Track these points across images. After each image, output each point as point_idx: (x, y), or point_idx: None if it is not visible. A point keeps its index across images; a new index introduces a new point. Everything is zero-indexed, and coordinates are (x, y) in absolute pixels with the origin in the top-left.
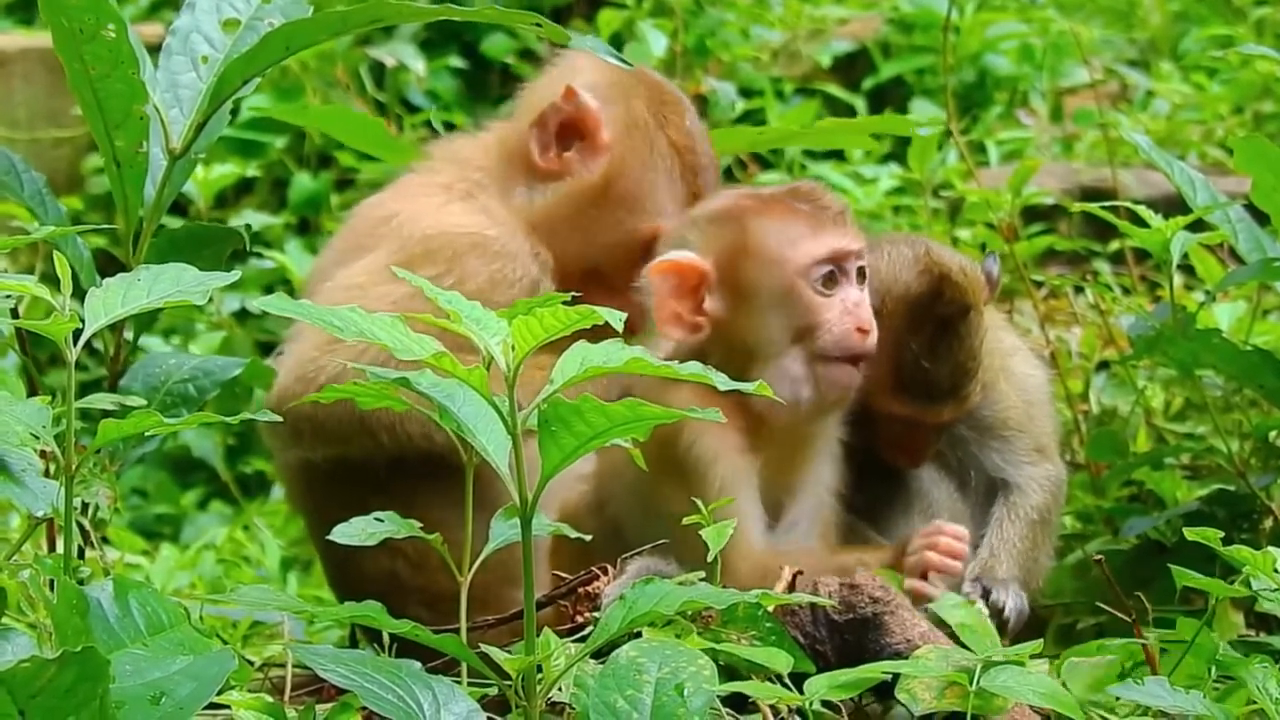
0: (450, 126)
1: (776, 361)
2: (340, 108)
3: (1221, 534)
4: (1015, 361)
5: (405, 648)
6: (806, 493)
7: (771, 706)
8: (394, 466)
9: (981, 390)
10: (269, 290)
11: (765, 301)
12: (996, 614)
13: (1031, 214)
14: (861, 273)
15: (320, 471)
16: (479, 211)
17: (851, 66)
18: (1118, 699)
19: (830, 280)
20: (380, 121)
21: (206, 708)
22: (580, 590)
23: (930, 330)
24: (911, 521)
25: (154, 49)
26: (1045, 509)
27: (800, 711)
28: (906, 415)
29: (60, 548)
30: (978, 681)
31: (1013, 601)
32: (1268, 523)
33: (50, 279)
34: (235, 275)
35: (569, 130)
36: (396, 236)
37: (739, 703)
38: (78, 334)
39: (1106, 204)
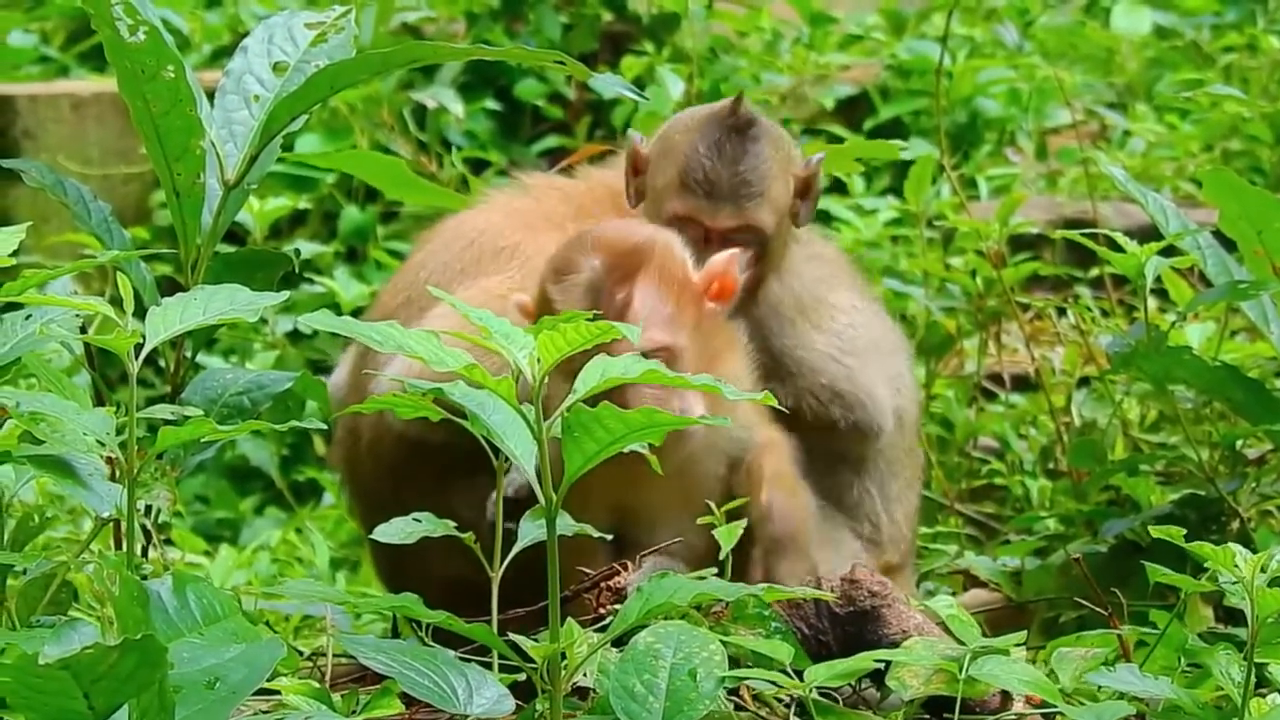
0: (484, 164)
1: None
2: (363, 152)
3: (1188, 533)
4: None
5: (443, 637)
6: None
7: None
8: None
9: (762, 213)
10: None
11: None
12: None
13: (1018, 243)
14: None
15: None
16: None
17: (853, 109)
18: (1099, 687)
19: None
20: (400, 161)
21: (257, 692)
22: (604, 585)
23: (718, 135)
24: None
25: (213, 93)
26: None
27: (800, 700)
28: (687, 214)
29: (125, 547)
30: (967, 670)
31: None
32: (1235, 524)
33: (118, 303)
34: (284, 296)
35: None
36: (527, 270)
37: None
38: (139, 348)
39: (1087, 232)
